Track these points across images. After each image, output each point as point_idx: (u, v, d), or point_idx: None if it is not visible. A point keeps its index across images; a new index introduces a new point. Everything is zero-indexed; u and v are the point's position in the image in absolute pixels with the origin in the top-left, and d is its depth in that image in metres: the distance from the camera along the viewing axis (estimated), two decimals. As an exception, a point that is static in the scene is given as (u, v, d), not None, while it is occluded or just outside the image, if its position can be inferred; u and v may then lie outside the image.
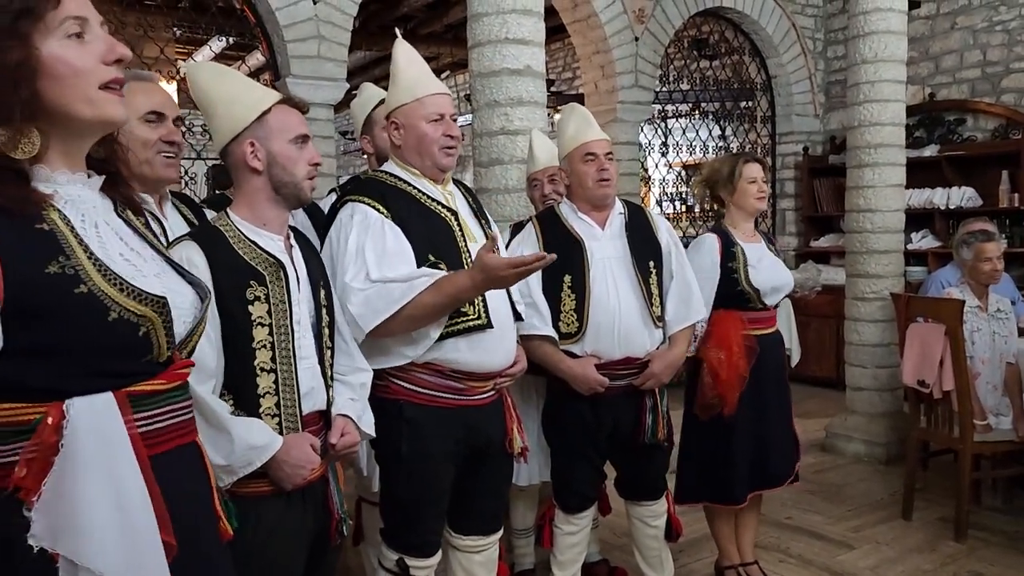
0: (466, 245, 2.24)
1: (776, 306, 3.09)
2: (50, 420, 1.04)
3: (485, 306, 2.21)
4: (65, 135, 1.12)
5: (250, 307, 1.70)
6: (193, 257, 1.68)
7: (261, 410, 1.71)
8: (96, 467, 1.05)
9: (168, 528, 1.11)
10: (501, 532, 2.43)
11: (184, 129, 2.17)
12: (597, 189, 2.65)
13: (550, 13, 5.84)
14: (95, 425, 1.07)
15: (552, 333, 2.62)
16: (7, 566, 1.02)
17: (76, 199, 1.14)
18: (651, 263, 2.69)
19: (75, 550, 1.03)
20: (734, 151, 7.07)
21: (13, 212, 1.03)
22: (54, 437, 1.04)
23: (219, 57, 8.29)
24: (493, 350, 2.24)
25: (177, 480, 1.17)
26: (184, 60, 7.86)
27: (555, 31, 6.96)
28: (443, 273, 2.11)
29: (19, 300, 1.02)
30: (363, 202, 2.17)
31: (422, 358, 2.16)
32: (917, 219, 6.18)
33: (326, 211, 2.52)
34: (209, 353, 1.64)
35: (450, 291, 2.07)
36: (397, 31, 2.40)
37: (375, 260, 2.10)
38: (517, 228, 2.88)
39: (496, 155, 3.34)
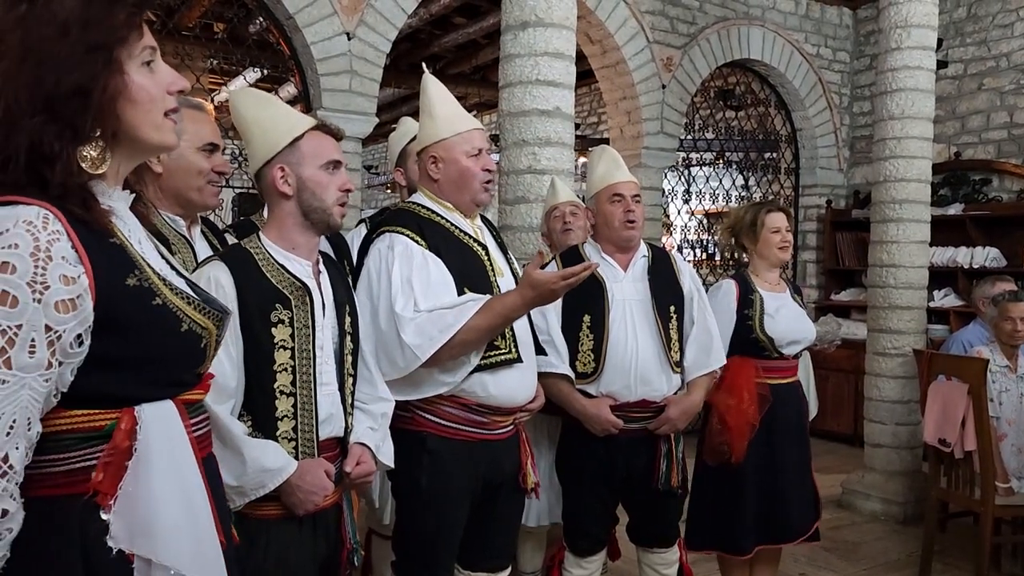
0: (495, 279, 2.25)
1: (796, 356, 3.06)
2: (123, 425, 1.08)
3: (515, 341, 2.22)
4: (123, 155, 1.17)
5: (273, 330, 1.71)
6: (220, 277, 1.69)
7: (278, 433, 1.71)
8: (166, 470, 1.10)
9: (220, 527, 1.18)
10: (509, 569, 2.40)
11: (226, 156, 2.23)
12: (623, 230, 2.66)
13: (578, 58, 5.92)
14: (163, 430, 1.12)
15: (569, 372, 2.61)
16: (87, 568, 1.05)
17: (124, 215, 1.18)
18: (672, 308, 2.68)
19: (152, 549, 1.07)
20: (757, 201, 7.09)
21: (92, 226, 1.08)
22: (127, 442, 1.08)
23: (252, 87, 8.45)
24: (518, 384, 2.24)
25: (214, 484, 1.23)
26: (218, 90, 8.03)
27: (582, 76, 7.03)
28: (488, 296, 2.13)
29: (104, 311, 1.06)
30: (402, 233, 2.17)
31: (450, 391, 2.16)
32: (940, 277, 6.14)
33: (355, 243, 2.53)
34: (230, 373, 1.66)
35: (500, 311, 2.08)
36: (424, 66, 2.44)
37: (422, 290, 2.11)
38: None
39: (522, 193, 3.37)
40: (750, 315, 2.93)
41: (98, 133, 1.10)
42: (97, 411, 1.08)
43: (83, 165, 1.09)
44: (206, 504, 1.15)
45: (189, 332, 1.15)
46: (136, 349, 1.10)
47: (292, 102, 6.93)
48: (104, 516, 1.06)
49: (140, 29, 1.13)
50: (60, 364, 1.02)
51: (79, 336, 1.04)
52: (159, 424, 1.11)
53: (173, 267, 1.28)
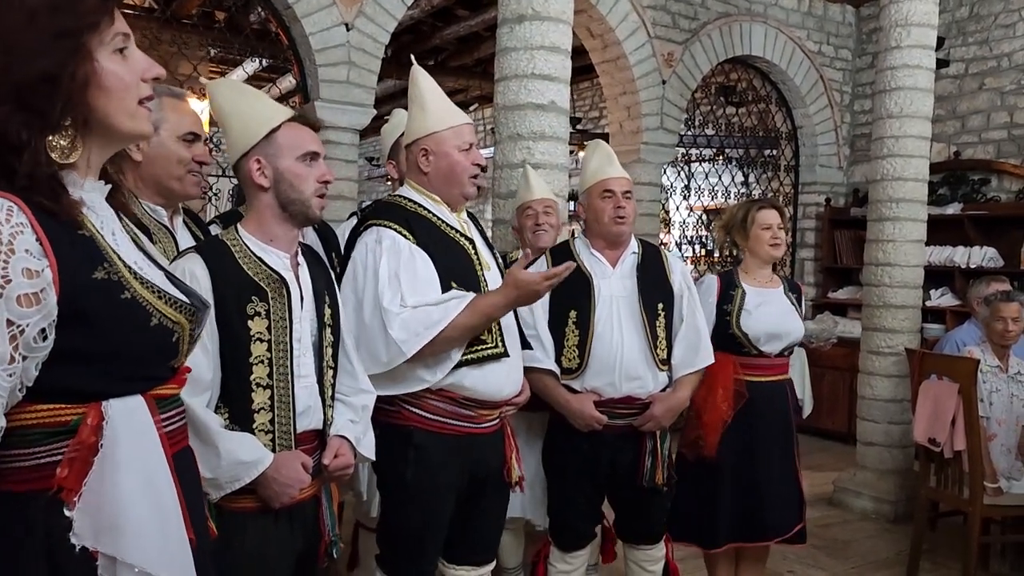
0: (483, 273, 2.26)
1: (786, 355, 3.05)
2: (90, 421, 1.07)
3: (502, 335, 2.23)
4: (97, 144, 1.15)
5: (250, 322, 1.71)
6: (195, 270, 1.69)
7: (255, 426, 1.71)
8: (133, 466, 1.08)
9: (189, 524, 1.15)
10: (494, 564, 2.41)
11: (211, 146, 2.23)
12: (612, 226, 2.66)
13: (581, 52, 5.92)
14: (131, 426, 1.10)
15: (554, 367, 2.62)
16: (50, 565, 1.04)
17: (97, 206, 1.17)
18: (660, 305, 2.68)
19: (117, 547, 1.05)
20: (756, 198, 7.08)
21: (61, 218, 1.06)
22: (93, 438, 1.06)
23: (252, 78, 8.44)
24: (504, 378, 2.25)
25: (186, 479, 1.21)
26: (218, 79, 8.01)
27: (585, 70, 7.04)
28: (473, 294, 2.14)
29: (69, 304, 1.04)
30: (390, 227, 2.17)
31: (436, 385, 2.16)
32: (937, 276, 6.13)
33: (345, 234, 2.53)
34: (205, 366, 1.66)
35: (484, 310, 2.10)
36: (412, 58, 2.43)
37: (409, 285, 2.11)
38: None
39: (516, 187, 3.36)
40: (728, 310, 2.94)
41: (68, 122, 1.08)
42: (63, 406, 1.07)
43: (52, 155, 1.07)
44: (175, 501, 1.13)
45: (159, 326, 1.13)
46: (104, 343, 1.08)
47: (291, 93, 6.94)
48: (68, 513, 1.05)
49: (111, 15, 1.12)
50: (24, 359, 1.01)
51: (43, 330, 1.02)
52: (127, 419, 1.09)
53: (154, 260, 1.27)
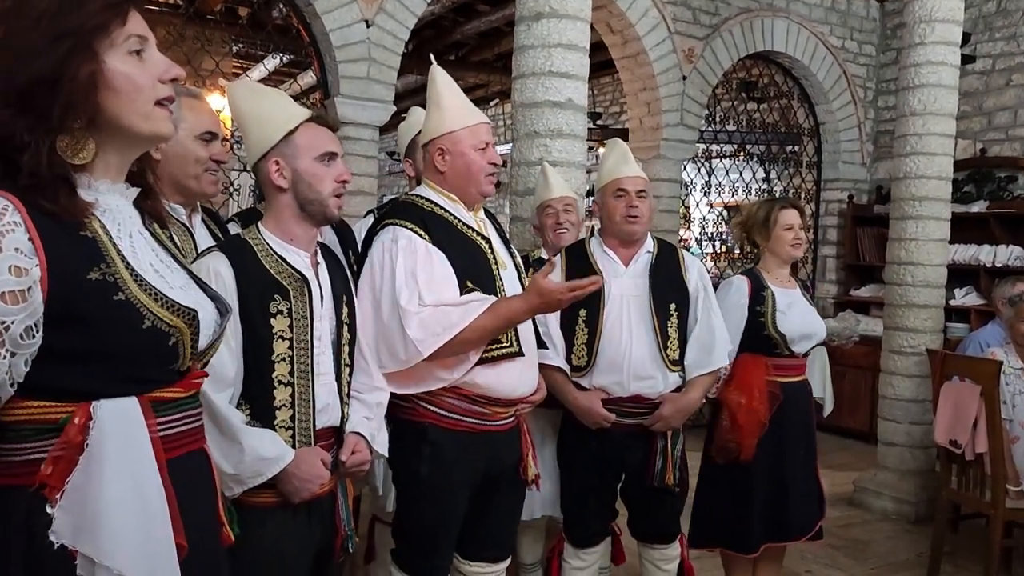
0: (498, 272, 2.26)
1: (806, 355, 3.04)
2: (77, 420, 1.07)
3: (517, 335, 2.23)
4: (114, 146, 1.16)
5: (272, 320, 1.73)
6: (220, 268, 1.71)
7: (276, 422, 1.73)
8: (119, 468, 1.08)
9: (180, 530, 1.14)
10: (509, 561, 2.42)
11: (232, 142, 2.26)
12: (624, 225, 2.66)
13: (601, 47, 5.90)
14: (120, 427, 1.09)
15: (564, 365, 2.63)
16: (30, 560, 1.05)
17: (114, 209, 1.17)
18: (672, 305, 2.67)
19: (95, 548, 1.05)
20: (777, 195, 7.03)
21: (61, 218, 1.07)
22: (80, 437, 1.07)
23: (273, 74, 8.49)
24: (519, 377, 2.26)
25: (187, 484, 1.20)
26: (240, 75, 8.06)
27: (605, 65, 7.02)
28: (494, 297, 2.15)
29: (60, 304, 1.05)
30: (406, 227, 2.18)
31: (451, 382, 2.17)
32: (962, 275, 6.07)
33: (362, 232, 2.54)
34: (229, 363, 1.68)
35: (505, 314, 2.10)
36: (432, 57, 2.43)
37: (426, 284, 2.12)
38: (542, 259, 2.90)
39: (533, 185, 3.36)
40: (762, 312, 2.90)
41: (78, 124, 1.09)
42: (53, 403, 1.08)
43: (63, 156, 1.09)
44: (163, 505, 1.12)
45: (152, 329, 1.12)
46: (95, 343, 1.09)
47: (311, 89, 6.97)
48: (50, 510, 1.05)
49: (123, 17, 1.12)
50: (13, 355, 1.02)
51: (30, 328, 1.03)
52: (116, 421, 1.09)
53: (182, 264, 1.28)
